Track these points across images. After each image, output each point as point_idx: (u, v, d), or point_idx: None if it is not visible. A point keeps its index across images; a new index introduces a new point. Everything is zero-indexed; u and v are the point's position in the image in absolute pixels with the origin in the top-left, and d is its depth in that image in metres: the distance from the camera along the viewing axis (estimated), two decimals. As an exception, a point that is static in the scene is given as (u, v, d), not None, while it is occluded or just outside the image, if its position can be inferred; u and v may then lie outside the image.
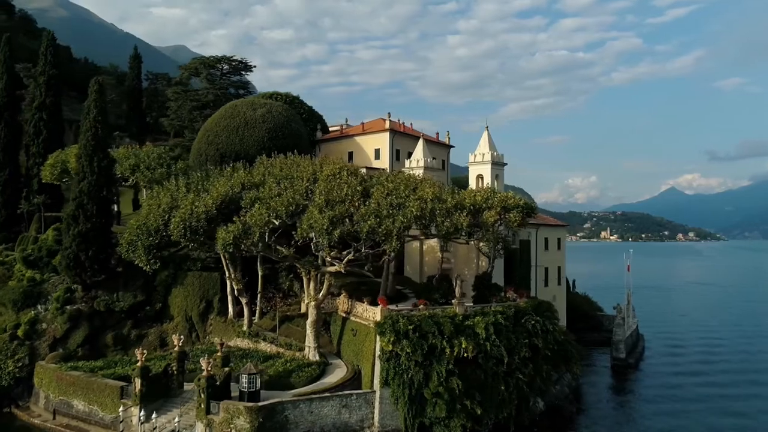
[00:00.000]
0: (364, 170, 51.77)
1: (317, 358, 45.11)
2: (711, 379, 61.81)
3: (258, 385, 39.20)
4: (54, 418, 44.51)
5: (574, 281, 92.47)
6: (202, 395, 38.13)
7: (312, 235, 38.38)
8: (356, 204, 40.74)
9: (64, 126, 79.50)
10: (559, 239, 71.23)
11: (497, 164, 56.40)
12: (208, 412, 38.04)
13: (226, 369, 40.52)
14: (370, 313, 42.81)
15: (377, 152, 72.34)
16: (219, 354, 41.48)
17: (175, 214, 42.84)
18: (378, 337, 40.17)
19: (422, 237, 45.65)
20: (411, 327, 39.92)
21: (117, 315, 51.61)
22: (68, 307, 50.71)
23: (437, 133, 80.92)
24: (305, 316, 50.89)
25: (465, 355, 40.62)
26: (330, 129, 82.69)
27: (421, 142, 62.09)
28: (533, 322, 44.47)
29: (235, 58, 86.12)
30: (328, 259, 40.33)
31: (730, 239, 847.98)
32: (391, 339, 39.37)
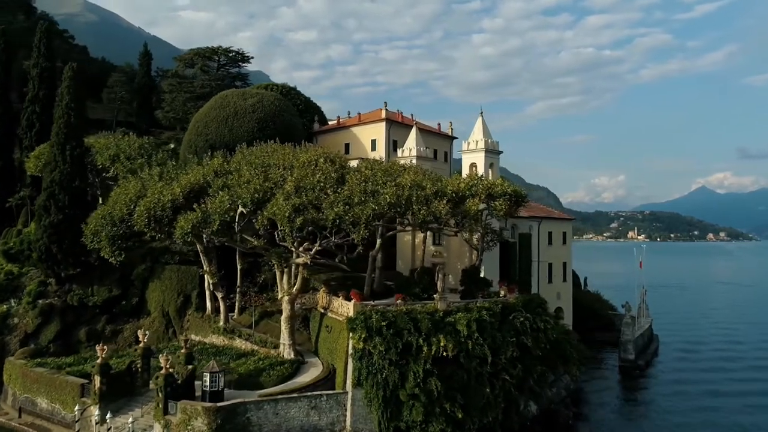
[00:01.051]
0: (354, 162, 49.05)
1: (292, 356, 42.48)
2: (724, 386, 57.38)
3: (221, 384, 36.72)
4: (20, 416, 42.66)
5: (585, 279, 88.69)
6: (160, 394, 35.77)
7: (279, 224, 35.72)
8: (328, 191, 38.06)
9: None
10: (564, 233, 67.50)
11: (491, 152, 53.11)
12: (165, 412, 35.62)
13: (190, 367, 38.08)
14: (345, 309, 40.04)
15: (373, 143, 69.53)
16: (183, 351, 39.07)
17: (140, 203, 40.65)
18: (350, 334, 37.40)
19: (398, 227, 42.68)
20: (384, 323, 37.00)
21: (91, 310, 49.70)
22: (40, 301, 48.99)
23: (439, 124, 77.80)
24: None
25: (444, 354, 37.61)
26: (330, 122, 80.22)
27: (414, 130, 59.10)
28: (522, 319, 41.14)
29: (232, 48, 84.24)
30: (293, 249, 37.62)
31: (762, 239, 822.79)
32: (363, 336, 36.53)
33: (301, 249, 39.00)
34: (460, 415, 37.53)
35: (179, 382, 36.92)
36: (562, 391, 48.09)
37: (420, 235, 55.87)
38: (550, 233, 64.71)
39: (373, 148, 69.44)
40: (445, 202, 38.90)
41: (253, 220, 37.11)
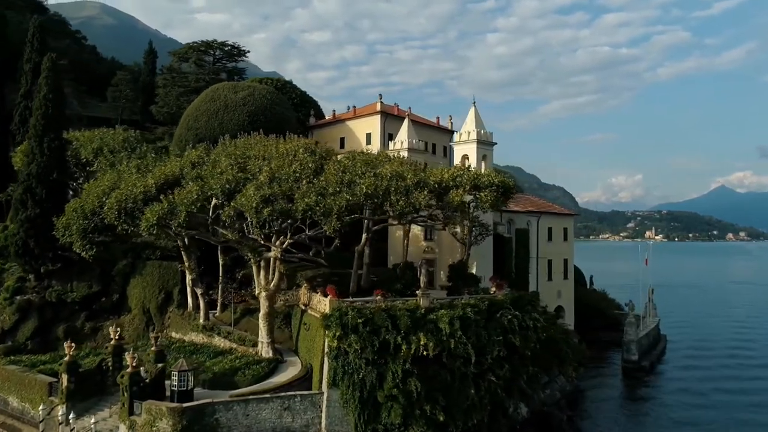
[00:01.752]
0: (340, 156, 47.25)
1: (270, 354, 40.73)
2: (732, 388, 54.57)
3: (191, 383, 35.06)
4: (-8, 416, 41.52)
5: (591, 277, 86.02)
6: (125, 394, 34.25)
7: (246, 214, 33.98)
8: (304, 182, 36.27)
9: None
10: (565, 229, 65.15)
11: (484, 143, 50.92)
12: (131, 413, 34.06)
13: (160, 365, 36.44)
14: (322, 305, 38.18)
15: (368, 137, 67.71)
16: (153, 349, 37.50)
17: (111, 195, 39.18)
18: (325, 332, 35.57)
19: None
20: (361, 321, 35.04)
21: (70, 306, 48.41)
22: (18, 297, 47.84)
23: (438, 118, 75.72)
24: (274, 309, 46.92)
25: (425, 353, 35.60)
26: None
27: (406, 121, 57.17)
28: (510, 316, 38.90)
29: (228, 42, 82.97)
30: (261, 241, 35.85)
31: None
32: (337, 334, 34.63)
33: (277, 243, 37.26)
34: (441, 418, 35.54)
35: (147, 381, 35.40)
36: (556, 392, 45.85)
37: (413, 229, 53.97)
38: (550, 229, 62.43)
39: (369, 141, 67.61)
40: (426, 192, 36.85)
41: (220, 212, 35.40)
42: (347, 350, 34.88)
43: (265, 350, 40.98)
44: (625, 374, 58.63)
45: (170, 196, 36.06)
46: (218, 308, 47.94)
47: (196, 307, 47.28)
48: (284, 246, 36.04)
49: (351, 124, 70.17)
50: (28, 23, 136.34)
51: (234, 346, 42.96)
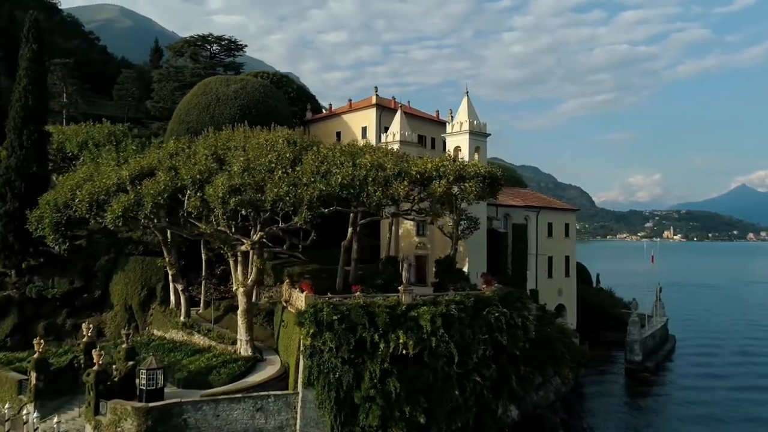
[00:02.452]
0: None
1: (249, 352, 39.23)
2: (743, 395, 51.69)
3: (160, 382, 33.65)
4: (-34, 414, 40.48)
5: (598, 275, 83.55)
6: (91, 393, 32.92)
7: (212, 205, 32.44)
8: (280, 172, 34.68)
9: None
10: (567, 225, 62.91)
11: (477, 134, 48.92)
12: (96, 412, 32.74)
13: (131, 363, 35.09)
14: (299, 302, 36.55)
15: (364, 130, 66.05)
16: (124, 346, 36.16)
17: (83, 187, 37.92)
18: (299, 329, 33.94)
19: (353, 211, 39.02)
20: (336, 317, 33.38)
21: (51, 303, 47.34)
22: (-3, 293, 46.90)
23: (437, 112, 73.90)
24: (254, 305, 45.44)
25: (404, 351, 33.85)
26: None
27: (398, 113, 55.45)
28: (497, 314, 36.90)
29: (225, 37, 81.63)
30: (229, 233, 34.31)
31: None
32: (311, 331, 33.00)
33: (255, 236, 35.72)
34: (422, 420, 33.80)
35: (116, 379, 34.07)
36: (550, 394, 43.72)
37: (405, 225, 52.25)
38: (550, 224, 60.29)
39: (364, 135, 65.97)
40: (406, 183, 35.01)
41: (186, 203, 33.91)
42: (322, 348, 33.27)
43: (243, 348, 39.50)
44: (628, 376, 56.20)
45: (138, 187, 34.66)
46: (201, 305, 46.66)
47: (179, 303, 45.98)
48: (257, 239, 34.43)
49: (347, 117, 68.59)
50: (41, 23, 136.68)
51: (213, 344, 41.55)
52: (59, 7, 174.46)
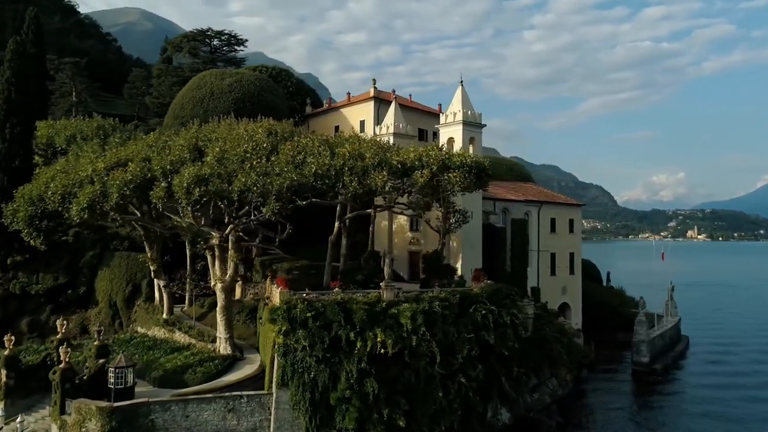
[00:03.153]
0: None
1: (228, 351, 37.79)
2: (759, 398, 49.00)
3: (130, 381, 32.42)
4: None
5: (608, 274, 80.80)
6: (57, 391, 31.77)
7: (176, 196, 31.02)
8: (254, 162, 33.21)
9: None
10: (571, 220, 60.53)
11: (471, 125, 46.97)
12: (62, 412, 31.60)
13: (101, 361, 33.90)
14: (275, 298, 35.06)
15: (362, 124, 64.37)
16: (95, 343, 34.98)
17: (56, 179, 36.84)
18: (272, 326, 32.43)
19: (329, 203, 37.35)
20: (311, 314, 31.82)
21: (35, 299, 46.55)
22: (-20, 289, 46.18)
23: (440, 105, 71.73)
24: (239, 302, 44.16)
25: (383, 350, 32.12)
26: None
27: (393, 105, 53.64)
28: (484, 312, 34.98)
29: (225, 31, 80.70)
30: (194, 224, 32.83)
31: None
32: (284, 328, 31.49)
33: (227, 230, 34.29)
34: (401, 423, 31.99)
35: (85, 377, 32.89)
36: (546, 397, 41.64)
37: (398, 220, 50.56)
38: (553, 219, 58.03)
39: (362, 129, 64.28)
40: (385, 173, 33.23)
41: (149, 193, 32.54)
42: (296, 347, 31.72)
43: (222, 346, 38.09)
44: (634, 378, 53.65)
45: (105, 179, 33.45)
46: (186, 302, 45.43)
47: (162, 300, 44.81)
48: (227, 232, 32.96)
49: (345, 111, 67.09)
50: (54, 25, 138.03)
51: (193, 341, 40.24)
52: (77, 9, 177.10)
